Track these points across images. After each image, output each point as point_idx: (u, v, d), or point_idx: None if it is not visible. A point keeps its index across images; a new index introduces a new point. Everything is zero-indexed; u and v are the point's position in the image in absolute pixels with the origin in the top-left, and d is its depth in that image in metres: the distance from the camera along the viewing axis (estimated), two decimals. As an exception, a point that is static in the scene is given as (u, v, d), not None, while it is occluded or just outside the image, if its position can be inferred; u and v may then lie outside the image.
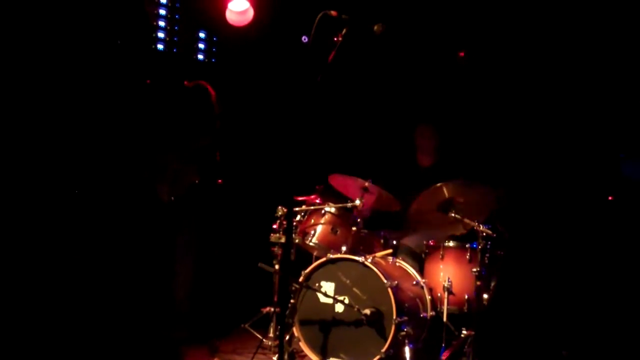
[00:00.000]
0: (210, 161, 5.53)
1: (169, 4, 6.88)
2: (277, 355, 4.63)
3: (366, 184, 5.36)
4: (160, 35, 6.83)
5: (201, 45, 7.24)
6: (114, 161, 5.73)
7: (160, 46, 6.81)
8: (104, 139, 5.79)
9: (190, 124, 5.42)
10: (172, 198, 5.35)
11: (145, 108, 5.56)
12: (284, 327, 3.84)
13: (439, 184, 5.32)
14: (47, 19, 5.59)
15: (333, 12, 3.99)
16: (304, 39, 4.13)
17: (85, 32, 5.90)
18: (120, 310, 5.51)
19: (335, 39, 4.19)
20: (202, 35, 7.25)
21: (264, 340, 5.07)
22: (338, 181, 5.60)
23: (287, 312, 5.05)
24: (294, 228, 5.38)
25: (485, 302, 5.07)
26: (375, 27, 4.23)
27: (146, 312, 5.52)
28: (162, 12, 6.84)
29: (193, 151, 5.41)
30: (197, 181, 5.44)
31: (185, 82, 5.52)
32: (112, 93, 5.96)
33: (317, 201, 5.61)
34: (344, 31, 4.17)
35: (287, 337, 5.10)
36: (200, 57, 7.20)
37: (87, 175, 5.83)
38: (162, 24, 6.83)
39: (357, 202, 5.36)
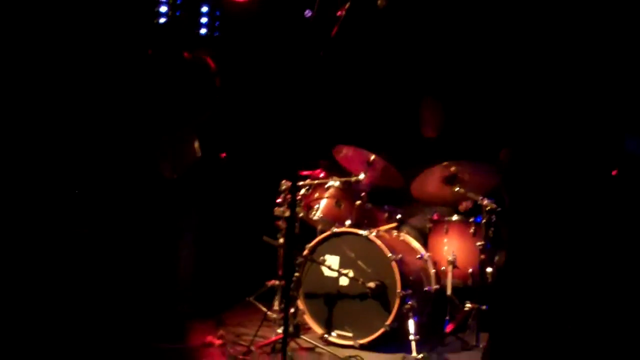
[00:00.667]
0: (212, 136, 5.52)
1: (172, -23, 6.83)
2: (282, 328, 4.64)
3: (371, 157, 5.36)
4: (163, 9, 6.78)
5: (204, 19, 7.20)
6: (116, 137, 5.72)
7: (162, 20, 6.76)
8: (105, 115, 5.79)
9: (190, 97, 5.40)
10: (175, 175, 5.34)
11: (146, 82, 5.53)
12: (289, 300, 3.86)
13: (445, 163, 5.32)
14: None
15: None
16: (307, 13, 4.09)
17: (87, 6, 5.87)
18: (125, 287, 5.54)
19: (339, 12, 4.17)
20: (204, 9, 7.20)
21: (268, 312, 5.09)
22: (342, 155, 5.58)
23: (292, 285, 5.07)
24: (298, 202, 5.38)
25: (489, 276, 5.08)
26: (379, 1, 4.22)
27: (151, 287, 5.55)
28: (164, -16, 6.79)
29: (194, 126, 5.39)
30: (199, 157, 5.44)
31: (185, 54, 5.49)
32: (113, 70, 5.95)
33: (321, 175, 5.61)
34: (347, 5, 4.16)
35: (292, 310, 5.13)
36: (203, 31, 7.16)
37: (88, 153, 5.83)
38: (164, -2, 6.78)
39: (361, 176, 5.37)
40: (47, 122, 5.63)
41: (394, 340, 4.91)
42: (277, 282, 5.26)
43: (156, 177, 5.43)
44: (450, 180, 5.39)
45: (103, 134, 5.82)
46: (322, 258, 5.14)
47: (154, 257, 5.72)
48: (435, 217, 5.65)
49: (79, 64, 5.85)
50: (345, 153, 5.57)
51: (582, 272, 3.56)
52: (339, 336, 5.00)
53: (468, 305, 5.19)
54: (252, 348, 4.58)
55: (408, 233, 5.60)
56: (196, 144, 5.40)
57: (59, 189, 5.68)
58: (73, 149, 5.77)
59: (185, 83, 5.41)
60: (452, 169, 5.33)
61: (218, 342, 4.83)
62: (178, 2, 6.87)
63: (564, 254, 3.45)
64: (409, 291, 4.95)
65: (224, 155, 5.68)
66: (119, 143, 5.70)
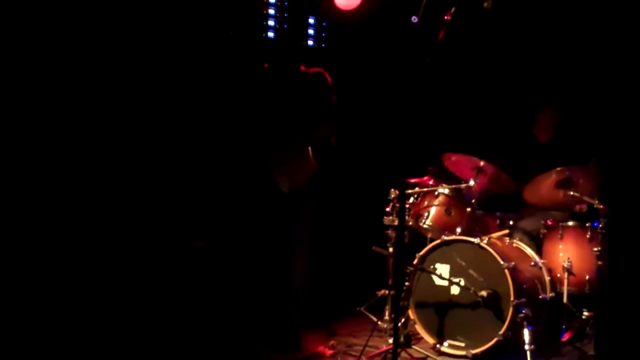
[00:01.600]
0: (327, 149, 5.54)
1: (278, -9, 6.93)
2: (392, 338, 4.62)
3: (481, 163, 5.28)
4: (271, 23, 6.89)
5: (311, 31, 7.27)
6: (235, 151, 5.83)
7: (270, 34, 6.87)
8: (224, 129, 5.91)
9: (308, 112, 5.43)
10: (294, 189, 5.40)
11: (264, 96, 5.61)
12: (398, 310, 3.84)
13: (558, 169, 5.18)
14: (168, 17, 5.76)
15: (440, -10, 3.93)
16: (414, 19, 4.06)
17: (197, 24, 6.03)
18: (239, 297, 5.65)
19: (445, 17, 4.13)
20: (311, 21, 7.27)
21: (379, 322, 5.07)
22: (451, 161, 5.52)
23: (403, 294, 5.04)
24: (407, 210, 5.35)
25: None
26: (485, 4, 4.15)
27: (265, 297, 5.63)
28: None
29: (312, 142, 5.42)
30: (315, 171, 5.46)
31: (302, 67, 5.54)
32: (230, 83, 6.07)
33: (430, 183, 5.56)
34: (453, 9, 4.11)
35: (403, 320, 5.10)
36: (310, 42, 7.23)
37: (206, 167, 5.98)
38: (271, 11, 6.88)
39: (471, 182, 5.29)
40: (175, 140, 5.80)
41: (508, 350, 4.80)
42: (387, 292, 5.23)
43: (274, 192, 5.49)
44: (565, 184, 5.24)
45: (223, 149, 5.94)
46: (432, 267, 5.09)
47: (268, 267, 5.80)
48: (549, 222, 5.50)
49: (199, 81, 6.01)
50: (454, 160, 5.50)
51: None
52: (451, 346, 4.93)
53: (585, 313, 5.02)
54: (363, 358, 4.57)
55: (521, 239, 5.47)
56: (313, 159, 5.43)
57: (179, 203, 5.84)
58: (191, 165, 5.92)
59: (303, 97, 5.44)
60: (567, 173, 5.18)
61: (329, 352, 4.86)
62: (285, 15, 6.97)
63: None
64: (523, 299, 4.82)
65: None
66: (238, 157, 5.80)
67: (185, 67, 5.94)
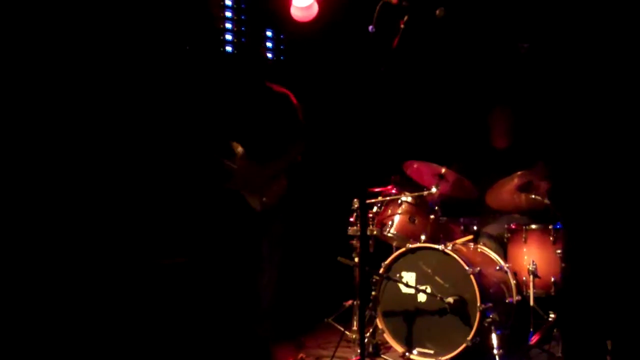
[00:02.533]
0: (294, 166, 5.53)
1: (235, 5, 6.91)
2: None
3: (442, 170, 5.30)
4: (228, 37, 6.87)
5: (269, 44, 7.27)
6: (204, 168, 5.79)
7: (228, 48, 6.85)
8: (192, 146, 5.87)
9: (283, 136, 5.42)
10: (264, 207, 5.37)
11: (230, 113, 5.58)
12: (363, 320, 3.82)
13: (519, 173, 5.22)
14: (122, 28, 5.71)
15: (393, 0, 3.94)
16: (371, 28, 4.07)
17: (154, 38, 5.98)
18: (211, 310, 5.60)
19: (400, 25, 4.14)
20: (269, 34, 7.27)
21: (347, 332, 5.05)
22: (413, 169, 5.54)
23: (370, 304, 5.04)
24: (371, 220, 5.35)
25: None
26: (437, 12, 4.16)
27: (236, 313, 5.59)
28: (228, 14, 6.88)
29: (285, 162, 5.41)
30: (286, 188, 5.44)
31: (267, 83, 5.52)
32: (192, 98, 6.04)
33: (393, 191, 5.56)
34: (406, 17, 4.12)
35: (371, 330, 5.09)
36: (269, 55, 7.22)
37: (175, 184, 5.94)
38: (228, 25, 6.86)
39: (434, 189, 5.30)
40: (142, 157, 5.75)
41: (477, 355, 4.80)
42: (354, 302, 5.22)
43: (242, 207, 5.45)
44: (526, 187, 5.29)
45: (189, 166, 5.90)
46: (398, 275, 5.08)
47: (236, 283, 5.77)
48: (513, 226, 5.53)
49: (163, 95, 5.96)
50: (416, 168, 5.52)
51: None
52: (420, 354, 4.92)
53: (552, 315, 5.07)
54: (332, 370, 4.55)
55: (485, 244, 5.48)
56: (283, 177, 5.42)
57: (147, 221, 5.78)
58: (157, 181, 5.87)
59: (272, 118, 5.43)
60: (528, 176, 5.23)
61: (298, 365, 4.83)
62: (242, 28, 6.95)
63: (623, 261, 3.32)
64: (490, 304, 4.83)
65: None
66: (208, 174, 5.76)
67: (148, 83, 5.88)
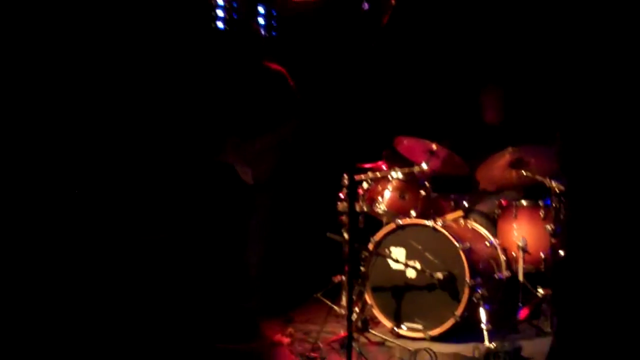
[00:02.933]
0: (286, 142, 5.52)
1: (225, -20, 6.84)
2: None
3: (433, 146, 5.28)
4: (220, 13, 6.80)
5: (261, 20, 7.21)
6: (194, 142, 5.77)
7: (220, 24, 6.79)
8: (181, 120, 5.85)
9: (271, 106, 5.40)
10: (256, 181, 5.37)
11: (225, 88, 5.56)
12: (351, 295, 3.82)
13: (510, 149, 5.21)
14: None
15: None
16: (365, 5, 4.04)
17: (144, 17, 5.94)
18: (195, 287, 5.60)
19: (391, 1, 4.11)
20: (261, 10, 7.21)
21: (335, 307, 5.06)
22: (404, 145, 5.52)
23: (359, 280, 5.04)
24: (361, 196, 5.35)
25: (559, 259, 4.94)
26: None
27: (221, 287, 5.60)
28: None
29: (278, 137, 5.40)
30: (277, 163, 5.44)
31: (265, 62, 5.50)
32: (185, 75, 6.01)
33: (384, 167, 5.55)
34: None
35: (360, 305, 5.09)
36: (262, 32, 7.16)
37: (164, 158, 5.91)
38: (220, 1, 6.80)
39: (424, 165, 5.28)
40: (121, 127, 5.71)
41: (466, 330, 4.82)
42: (343, 278, 5.22)
43: (231, 182, 5.45)
44: (517, 164, 5.28)
45: (181, 140, 5.88)
46: (388, 251, 5.09)
47: (225, 258, 5.77)
48: (503, 202, 5.52)
49: (159, 70, 5.92)
50: (407, 144, 5.50)
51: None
52: (409, 329, 4.94)
53: (541, 290, 5.07)
54: (320, 344, 4.54)
55: (476, 220, 5.48)
56: (275, 151, 5.41)
57: (137, 196, 5.77)
58: (148, 155, 5.84)
59: (268, 93, 5.42)
60: (519, 153, 5.22)
61: (287, 340, 4.82)
62: (234, 4, 6.89)
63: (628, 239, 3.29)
64: (479, 280, 4.85)
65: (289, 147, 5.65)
66: (197, 149, 5.75)
67: (142, 60, 5.85)
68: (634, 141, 3.23)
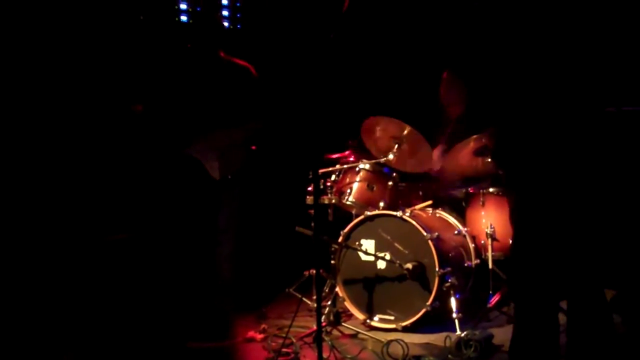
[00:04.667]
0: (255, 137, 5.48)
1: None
2: (322, 317, 4.64)
3: (406, 130, 5.24)
4: (183, 6, 6.74)
5: (225, 13, 7.14)
6: (157, 136, 5.70)
7: (183, 18, 6.73)
8: (146, 117, 5.78)
9: (239, 103, 5.36)
10: (223, 176, 5.33)
11: (187, 82, 5.50)
12: (321, 289, 3.83)
13: (474, 137, 5.22)
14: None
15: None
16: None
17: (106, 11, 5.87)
18: (168, 285, 5.56)
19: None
20: (224, 1, 7.15)
21: (307, 301, 5.06)
22: (371, 132, 5.46)
23: (329, 273, 5.05)
24: (330, 188, 5.34)
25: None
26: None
27: (192, 286, 5.56)
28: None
29: (246, 131, 5.36)
30: (246, 157, 5.40)
31: (222, 54, 5.44)
32: (146, 70, 5.94)
33: (351, 159, 5.55)
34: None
35: (332, 298, 5.10)
36: (225, 24, 7.10)
37: (125, 154, 5.84)
38: (183, -6, 6.72)
39: (390, 156, 5.29)
40: (80, 123, 5.63)
41: (437, 319, 4.85)
42: (314, 271, 5.21)
43: (200, 178, 5.41)
44: (482, 152, 5.30)
45: (144, 134, 5.81)
46: (358, 243, 5.10)
47: (195, 256, 5.73)
48: (470, 190, 5.54)
49: (124, 63, 5.84)
50: (375, 129, 5.44)
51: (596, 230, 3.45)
52: (381, 320, 4.96)
53: (510, 277, 5.11)
54: (294, 340, 4.54)
55: (444, 209, 5.50)
56: (243, 145, 5.38)
57: (99, 194, 5.69)
58: (109, 151, 5.77)
59: (229, 85, 5.36)
60: (483, 140, 5.23)
61: (261, 336, 4.81)
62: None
63: (567, 225, 3.36)
64: (448, 269, 4.87)
65: (254, 147, 5.62)
66: (161, 143, 5.68)
67: (105, 54, 5.77)
68: (564, 135, 3.30)
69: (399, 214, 5.00)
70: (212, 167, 5.32)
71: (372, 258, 5.01)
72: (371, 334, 4.81)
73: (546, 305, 3.38)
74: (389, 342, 4.44)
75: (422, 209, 5.35)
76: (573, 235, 3.37)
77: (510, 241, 5.07)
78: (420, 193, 5.62)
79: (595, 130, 3.35)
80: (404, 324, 4.85)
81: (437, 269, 4.79)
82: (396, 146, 5.31)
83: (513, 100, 3.41)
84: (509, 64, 3.42)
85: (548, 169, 3.32)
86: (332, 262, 5.13)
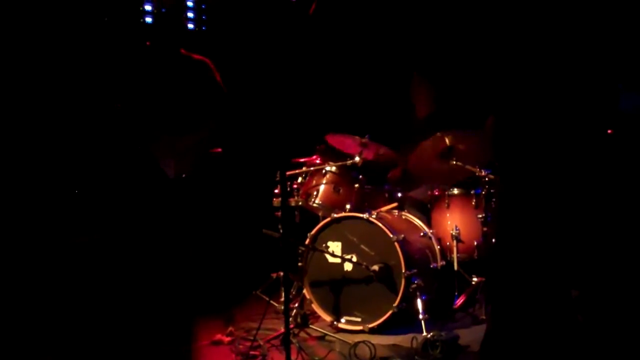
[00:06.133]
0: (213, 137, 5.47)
1: (153, -26, 6.73)
2: (290, 319, 4.64)
3: (364, 140, 5.31)
4: (147, 7, 6.70)
5: (190, 14, 7.12)
6: (118, 137, 5.67)
7: (148, 19, 6.69)
8: (105, 114, 5.73)
9: (195, 97, 5.34)
10: (179, 174, 5.31)
11: (147, 80, 5.47)
12: (288, 291, 3.84)
13: (438, 134, 5.28)
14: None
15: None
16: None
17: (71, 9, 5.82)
18: (132, 290, 5.53)
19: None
20: (190, 3, 7.12)
21: (274, 304, 5.07)
22: (336, 140, 5.55)
23: (296, 275, 5.06)
24: (296, 190, 5.36)
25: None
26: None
27: (158, 289, 5.53)
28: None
29: (205, 130, 5.35)
30: (205, 156, 5.39)
31: (182, 50, 5.43)
32: (111, 70, 5.90)
33: (318, 161, 5.57)
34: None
35: (299, 300, 5.12)
36: (190, 26, 7.08)
37: (86, 154, 5.79)
38: (147, -5, 6.68)
39: (357, 158, 5.32)
40: (44, 123, 5.57)
41: (404, 321, 4.89)
42: (281, 274, 5.23)
43: (159, 177, 5.39)
44: (447, 154, 5.35)
45: (104, 134, 5.77)
46: (324, 245, 5.12)
47: (159, 258, 5.70)
48: (436, 192, 5.60)
49: (82, 63, 5.80)
50: (338, 138, 5.52)
51: (581, 235, 3.49)
52: (348, 322, 4.98)
53: (475, 279, 5.18)
54: (260, 341, 4.55)
55: (409, 211, 5.54)
56: (201, 144, 5.36)
57: (59, 196, 5.64)
58: (71, 151, 5.72)
59: (189, 82, 5.35)
60: (447, 140, 5.29)
61: (228, 338, 4.80)
62: (162, -2, 6.79)
63: (559, 223, 3.38)
64: (414, 270, 4.91)
65: (219, 150, 5.62)
66: (121, 143, 5.65)
67: (69, 55, 5.73)
68: (566, 129, 3.31)
69: (365, 216, 5.04)
70: (168, 165, 5.30)
71: (339, 260, 5.04)
72: (339, 335, 4.83)
73: (526, 304, 3.39)
74: (357, 343, 4.48)
75: (388, 211, 5.39)
76: (557, 233, 3.38)
77: (475, 243, 5.26)
78: (386, 195, 5.66)
79: (595, 130, 3.39)
80: (371, 325, 4.88)
81: (403, 271, 4.83)
82: (361, 149, 5.34)
83: (515, 92, 3.41)
84: (513, 57, 3.41)
85: (546, 165, 3.33)
86: (299, 264, 5.15)
